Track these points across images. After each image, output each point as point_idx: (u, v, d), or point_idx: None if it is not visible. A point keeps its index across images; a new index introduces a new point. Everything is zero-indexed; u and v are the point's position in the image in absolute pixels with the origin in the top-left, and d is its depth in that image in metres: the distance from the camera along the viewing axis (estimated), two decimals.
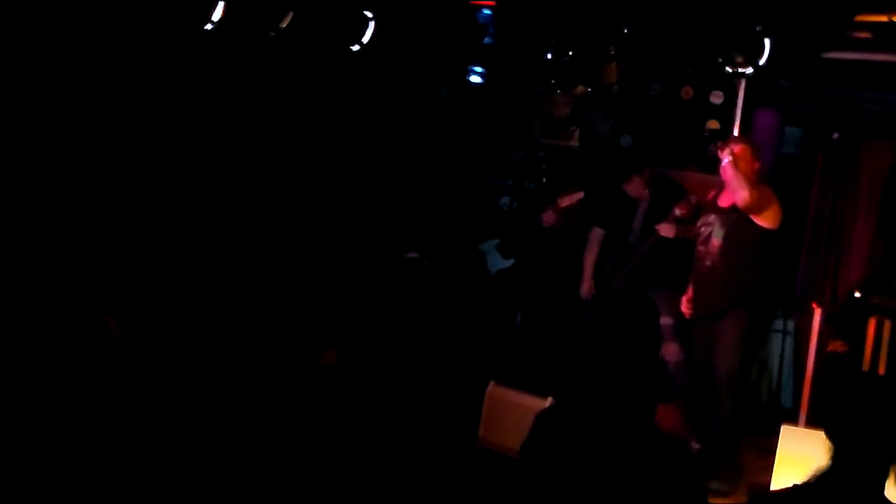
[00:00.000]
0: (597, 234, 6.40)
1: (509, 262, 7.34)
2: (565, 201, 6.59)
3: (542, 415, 2.83)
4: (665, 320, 5.63)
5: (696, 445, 5.31)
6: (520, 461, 2.71)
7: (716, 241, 5.31)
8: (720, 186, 5.39)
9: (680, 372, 5.72)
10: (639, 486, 2.52)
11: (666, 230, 5.82)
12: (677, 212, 5.75)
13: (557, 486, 2.57)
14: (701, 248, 5.40)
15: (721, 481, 5.12)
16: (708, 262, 5.33)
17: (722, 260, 5.27)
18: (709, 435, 5.32)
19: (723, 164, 5.19)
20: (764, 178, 6.84)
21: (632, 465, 2.54)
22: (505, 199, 7.69)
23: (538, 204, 7.11)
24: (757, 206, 5.17)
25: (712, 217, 5.37)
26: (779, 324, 6.84)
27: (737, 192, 5.14)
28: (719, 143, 5.39)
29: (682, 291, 5.64)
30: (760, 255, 5.27)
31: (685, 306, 5.52)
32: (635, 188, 6.16)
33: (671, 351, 5.64)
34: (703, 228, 5.41)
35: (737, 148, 5.26)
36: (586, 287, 6.34)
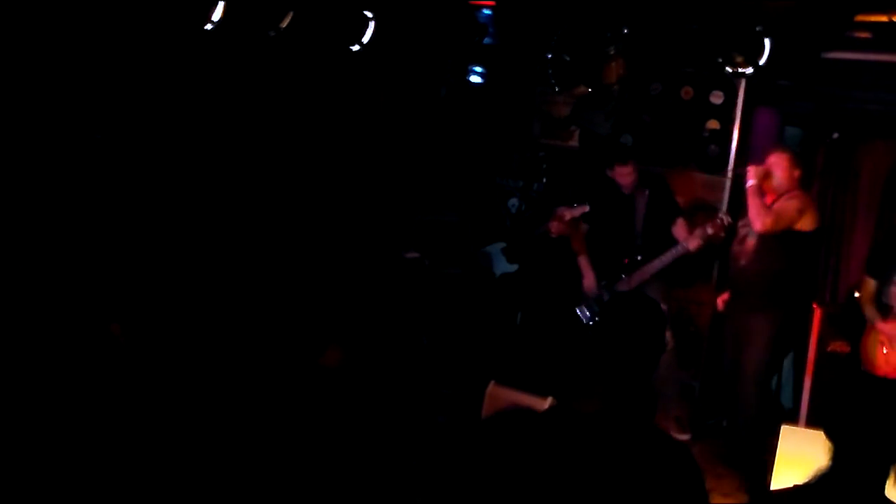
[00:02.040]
0: (582, 228, 6.31)
1: (514, 267, 7.34)
2: (568, 214, 6.59)
3: (541, 415, 2.83)
4: None
5: (682, 437, 5.52)
6: (517, 458, 2.70)
7: (751, 241, 5.48)
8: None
9: (665, 363, 5.75)
10: (639, 487, 2.52)
11: (696, 245, 5.72)
12: (710, 230, 5.67)
13: (555, 486, 2.56)
14: (736, 247, 5.58)
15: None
16: (742, 262, 5.51)
17: (756, 259, 5.44)
18: (734, 426, 5.62)
19: (747, 186, 5.34)
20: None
21: (632, 466, 2.54)
22: (513, 202, 7.68)
23: (544, 206, 7.11)
24: (772, 229, 5.30)
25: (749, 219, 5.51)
26: None
27: (753, 220, 5.33)
28: (749, 165, 5.48)
29: (675, 285, 5.95)
30: (793, 256, 5.43)
31: (720, 307, 5.77)
32: (622, 177, 5.99)
33: None
34: (741, 229, 5.58)
35: (773, 158, 5.40)
36: (589, 281, 6.18)
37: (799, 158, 5.55)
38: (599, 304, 6.11)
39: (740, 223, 5.64)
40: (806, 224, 5.38)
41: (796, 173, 5.42)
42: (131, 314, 5.15)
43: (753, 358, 5.43)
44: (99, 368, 3.43)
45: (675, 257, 5.81)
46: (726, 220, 5.71)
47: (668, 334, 5.65)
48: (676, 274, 5.97)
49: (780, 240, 5.37)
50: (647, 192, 6.02)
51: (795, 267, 5.48)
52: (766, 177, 5.38)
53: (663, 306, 5.61)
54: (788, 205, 5.36)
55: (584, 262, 6.25)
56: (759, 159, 6.73)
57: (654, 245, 5.89)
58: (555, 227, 6.74)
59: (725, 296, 5.81)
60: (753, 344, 5.44)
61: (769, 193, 5.44)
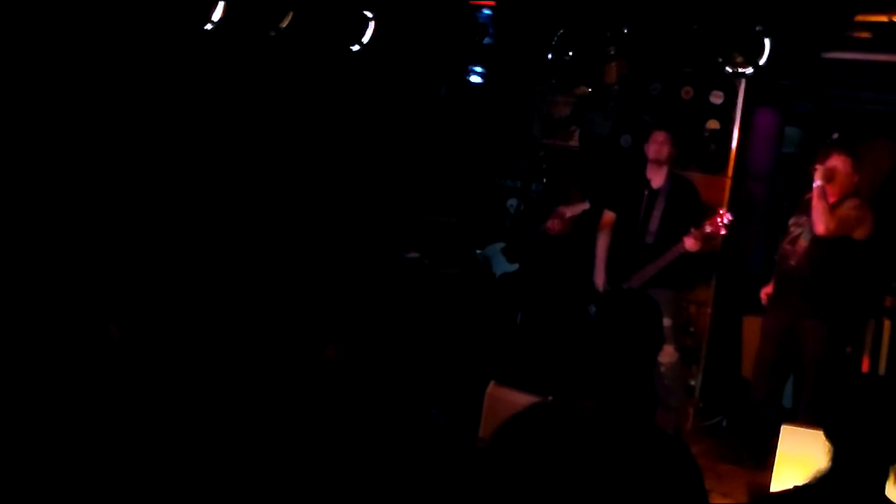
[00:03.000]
0: (608, 218, 6.11)
1: (514, 267, 7.33)
2: (569, 212, 6.58)
3: (541, 413, 2.82)
4: (664, 321, 5.62)
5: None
6: (513, 457, 2.70)
7: (803, 242, 5.44)
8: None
9: (671, 374, 5.74)
10: (638, 487, 2.52)
11: (692, 245, 5.63)
12: (708, 228, 5.59)
13: (554, 486, 2.56)
14: (787, 246, 5.54)
15: None
16: (793, 262, 5.48)
17: (807, 262, 5.40)
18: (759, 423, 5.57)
19: (814, 186, 5.29)
20: (764, 178, 6.90)
21: (631, 465, 2.54)
22: (512, 202, 7.68)
23: (543, 206, 7.10)
24: (835, 234, 5.27)
25: (804, 219, 5.47)
26: None
27: (816, 223, 5.27)
28: (817, 164, 5.39)
29: (683, 288, 5.74)
30: (845, 264, 5.38)
31: (763, 299, 5.70)
32: (654, 143, 5.88)
33: (666, 353, 5.62)
34: (793, 228, 5.54)
35: (836, 159, 5.34)
36: (601, 278, 6.01)
37: (859, 163, 5.48)
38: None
39: (792, 222, 5.59)
40: (861, 233, 5.36)
41: (855, 178, 5.38)
42: (129, 314, 5.14)
43: (816, 359, 5.40)
44: (96, 368, 3.43)
45: (673, 258, 5.72)
46: (726, 217, 5.61)
47: (672, 348, 5.69)
48: (682, 277, 5.91)
49: (834, 246, 5.32)
50: (668, 192, 5.90)
51: (847, 275, 5.42)
52: (829, 178, 5.31)
53: (668, 320, 5.63)
54: (850, 214, 5.32)
55: (601, 257, 6.10)
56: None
57: (665, 246, 5.79)
58: (553, 225, 6.73)
59: (769, 289, 5.74)
60: (812, 346, 5.40)
61: (830, 195, 5.39)
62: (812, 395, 5.45)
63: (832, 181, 5.33)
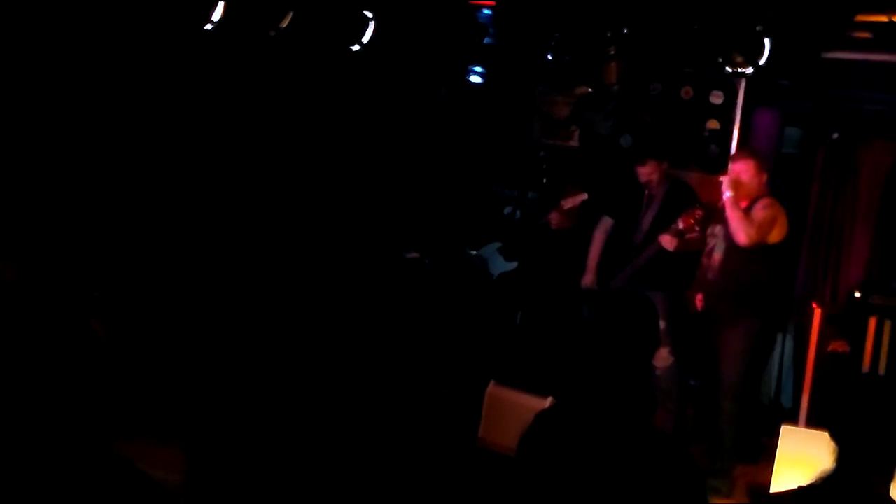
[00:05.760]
0: (605, 224, 6.21)
1: (512, 265, 7.33)
2: (568, 203, 6.59)
3: (542, 415, 2.83)
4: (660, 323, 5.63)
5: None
6: (518, 460, 2.71)
7: (717, 255, 5.44)
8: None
9: (667, 377, 5.73)
10: (639, 487, 2.52)
11: (668, 242, 5.63)
12: (680, 224, 5.56)
13: (557, 487, 2.57)
14: (705, 260, 5.54)
15: (715, 478, 5.19)
16: (710, 276, 5.49)
17: (722, 275, 5.41)
18: (712, 435, 5.49)
19: (724, 199, 5.25)
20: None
21: (632, 465, 2.54)
22: (509, 209, 7.67)
23: (541, 209, 7.10)
24: (757, 242, 5.23)
25: (718, 229, 5.46)
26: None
27: (736, 233, 5.23)
28: (721, 174, 5.42)
29: (678, 294, 5.77)
30: (762, 266, 5.37)
31: (699, 302, 5.64)
32: (647, 173, 5.89)
33: (661, 356, 5.62)
34: (709, 240, 5.52)
35: (740, 165, 5.33)
36: (589, 279, 6.15)
37: (764, 162, 5.47)
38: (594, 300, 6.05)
39: (707, 233, 5.55)
40: (776, 235, 5.33)
41: (764, 178, 5.36)
42: (112, 310, 5.12)
43: (728, 370, 5.37)
44: (77, 364, 3.41)
45: (650, 255, 5.74)
46: (699, 213, 5.56)
47: (667, 351, 5.68)
48: (671, 279, 5.88)
49: (747, 255, 5.30)
50: (664, 194, 5.92)
51: (764, 279, 5.40)
52: (736, 185, 5.27)
53: (663, 323, 5.62)
54: (766, 215, 5.29)
55: (592, 259, 6.19)
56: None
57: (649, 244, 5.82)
58: (554, 217, 6.74)
59: (701, 296, 5.73)
60: (729, 355, 5.37)
61: (741, 200, 5.35)
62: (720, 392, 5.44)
63: (739, 188, 5.28)
